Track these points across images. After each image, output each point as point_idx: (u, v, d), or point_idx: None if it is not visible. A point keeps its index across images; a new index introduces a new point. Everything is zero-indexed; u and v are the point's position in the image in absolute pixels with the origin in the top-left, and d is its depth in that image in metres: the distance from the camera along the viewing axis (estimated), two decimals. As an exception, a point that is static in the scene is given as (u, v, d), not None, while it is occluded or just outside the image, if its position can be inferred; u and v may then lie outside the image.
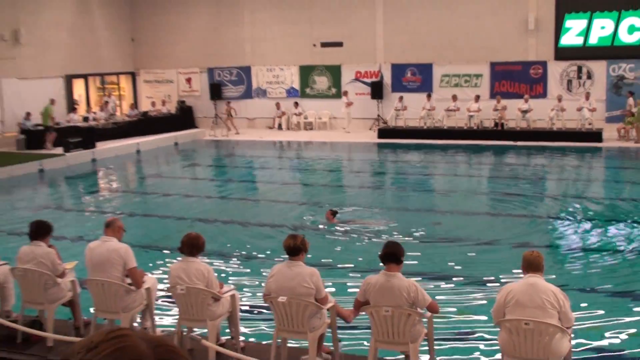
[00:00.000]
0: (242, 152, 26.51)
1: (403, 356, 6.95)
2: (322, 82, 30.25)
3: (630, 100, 24.77)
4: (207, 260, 8.68)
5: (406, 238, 12.41)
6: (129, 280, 7.56)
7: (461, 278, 10.42)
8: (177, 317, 7.43)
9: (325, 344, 7.22)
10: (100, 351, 1.06)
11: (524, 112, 25.92)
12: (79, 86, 30.32)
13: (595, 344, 7.92)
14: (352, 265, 11.24)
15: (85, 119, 27.66)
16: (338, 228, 13.63)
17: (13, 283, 8.24)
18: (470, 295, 9.65)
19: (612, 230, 13.41)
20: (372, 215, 14.99)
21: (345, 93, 28.84)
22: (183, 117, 31.15)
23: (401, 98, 27.91)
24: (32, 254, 7.84)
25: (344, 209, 15.23)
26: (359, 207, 15.87)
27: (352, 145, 26.50)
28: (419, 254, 11.35)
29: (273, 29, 30.55)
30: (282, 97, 30.72)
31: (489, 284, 9.95)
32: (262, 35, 30.84)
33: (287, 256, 6.96)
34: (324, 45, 29.81)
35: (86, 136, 24.67)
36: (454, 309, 9.01)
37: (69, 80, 29.38)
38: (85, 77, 30.64)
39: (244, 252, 12.35)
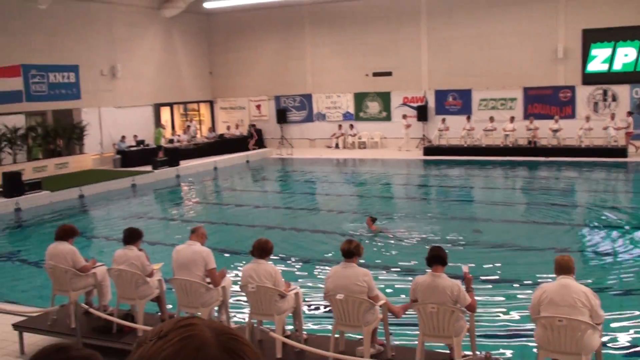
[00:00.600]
0: (303, 168, 26.57)
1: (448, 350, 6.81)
2: (374, 106, 30.19)
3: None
4: (274, 262, 8.66)
5: (448, 244, 12.21)
6: (208, 280, 7.60)
7: (499, 279, 10.19)
8: (249, 312, 7.43)
9: (380, 339, 7.13)
10: (169, 339, 1.03)
11: (555, 131, 25.37)
12: (165, 113, 30.93)
13: (626, 340, 7.63)
14: (398, 266, 11.11)
15: (171, 141, 28.16)
16: (381, 233, 13.51)
17: (109, 281, 8.38)
18: (508, 295, 9.42)
19: None
20: (410, 223, 14.75)
21: (405, 116, 28.62)
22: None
23: (444, 120, 27.64)
24: (125, 257, 7.96)
25: (391, 217, 15.08)
26: (403, 215, 15.70)
27: (400, 162, 26.30)
28: (461, 257, 11.14)
29: (331, 61, 30.67)
30: (339, 120, 30.76)
31: (525, 285, 9.70)
32: (321, 66, 30.99)
33: (341, 259, 6.91)
34: (375, 74, 29.76)
35: (171, 155, 25.09)
36: (495, 308, 8.80)
37: (157, 108, 30.00)
38: (170, 105, 31.24)
39: (304, 255, 12.33)
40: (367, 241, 12.51)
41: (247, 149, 29.56)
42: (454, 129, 27.11)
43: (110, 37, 27.37)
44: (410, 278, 9.09)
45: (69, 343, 1.86)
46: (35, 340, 7.98)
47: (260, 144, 31.36)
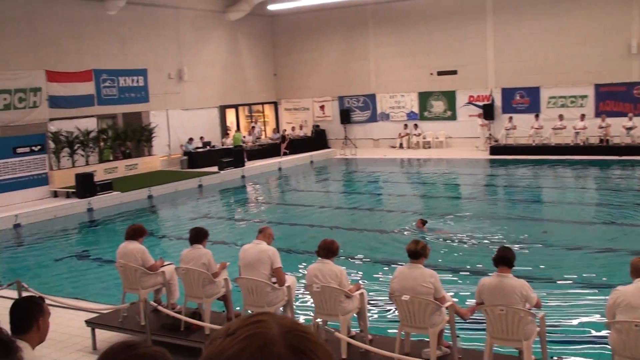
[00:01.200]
0: (367, 168, 26.46)
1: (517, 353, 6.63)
2: (438, 106, 29.81)
3: None
4: (338, 263, 8.64)
5: (515, 245, 11.91)
6: (273, 280, 7.65)
7: (570, 282, 9.87)
8: (313, 311, 7.43)
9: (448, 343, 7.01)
10: (235, 337, 1.00)
11: (629, 129, 24.45)
12: (230, 115, 31.38)
13: None
14: (467, 267, 10.91)
15: (238, 144, 28.53)
16: (435, 235, 13.31)
17: (177, 280, 8.53)
18: (580, 298, 9.11)
19: None
20: (475, 224, 14.45)
21: (480, 115, 28.11)
22: (317, 139, 31.52)
23: (510, 118, 27.04)
24: (192, 256, 8.09)
25: (457, 217, 14.85)
26: (468, 216, 15.41)
27: (466, 161, 25.87)
28: (528, 259, 10.86)
29: (395, 61, 30.46)
30: (403, 120, 30.52)
31: (598, 288, 9.36)
32: (385, 66, 30.82)
33: (406, 260, 6.83)
34: (440, 73, 29.37)
35: (237, 156, 25.43)
36: (564, 313, 8.53)
37: (222, 110, 30.48)
38: (236, 107, 31.69)
39: (368, 256, 12.26)
40: (432, 241, 12.35)
41: (312, 150, 29.63)
42: (521, 128, 26.48)
43: (177, 41, 27.97)
44: (465, 280, 8.91)
45: (138, 340, 1.87)
46: (106, 337, 8.20)
47: (324, 144, 31.42)
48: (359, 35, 31.27)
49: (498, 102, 28.16)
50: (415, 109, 30.38)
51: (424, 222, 13.92)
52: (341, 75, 31.83)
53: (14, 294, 8.22)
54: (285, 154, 28.78)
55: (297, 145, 29.90)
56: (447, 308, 6.73)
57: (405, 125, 30.25)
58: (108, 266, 12.03)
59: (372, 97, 31.35)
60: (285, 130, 31.16)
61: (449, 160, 26.45)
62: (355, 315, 7.40)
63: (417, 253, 6.73)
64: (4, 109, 21.27)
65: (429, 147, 29.61)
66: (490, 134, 27.82)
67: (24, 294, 8.11)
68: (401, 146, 30.04)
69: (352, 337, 7.19)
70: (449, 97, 29.40)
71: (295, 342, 1.00)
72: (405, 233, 13.72)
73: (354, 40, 31.41)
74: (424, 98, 30.06)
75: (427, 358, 6.62)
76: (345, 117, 31.44)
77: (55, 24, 22.80)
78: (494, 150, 26.32)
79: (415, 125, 30.01)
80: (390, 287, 6.86)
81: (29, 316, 3.94)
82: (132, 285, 8.51)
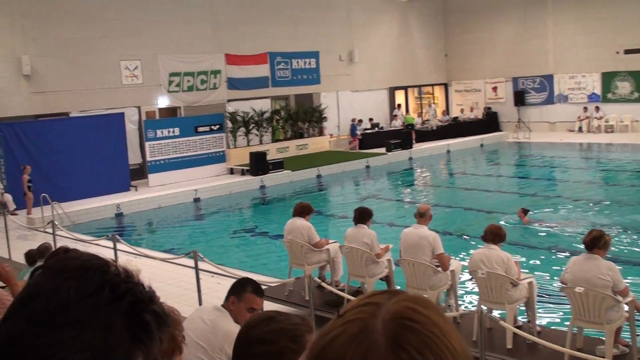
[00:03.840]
0: (541, 152, 25.16)
1: None
2: (624, 87, 27.57)
3: None
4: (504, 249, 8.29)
5: None
6: (436, 263, 7.51)
7: None
8: (478, 298, 7.20)
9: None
10: (342, 319, 0.87)
11: None
12: (400, 96, 31.27)
13: None
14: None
15: (408, 126, 28.38)
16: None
17: (341, 258, 8.66)
18: None
19: None
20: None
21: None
22: (489, 122, 30.48)
23: None
24: (356, 235, 8.15)
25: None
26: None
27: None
28: None
29: (576, 38, 28.55)
30: (584, 102, 28.61)
31: None
32: (564, 45, 28.99)
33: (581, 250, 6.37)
34: (627, 52, 27.09)
35: (404, 138, 25.30)
36: None
37: (391, 91, 30.46)
38: (405, 88, 31.52)
39: (538, 243, 11.65)
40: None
41: (482, 132, 28.73)
42: None
43: (348, 24, 28.28)
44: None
45: (278, 313, 1.85)
46: (272, 309, 8.51)
47: (496, 127, 30.34)
48: (536, 13, 29.68)
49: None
50: (598, 91, 28.33)
51: (525, 212, 13.07)
52: (516, 55, 30.43)
53: (191, 263, 8.77)
54: (353, 148, 26.32)
55: (468, 127, 29.13)
56: (627, 304, 6.20)
57: (585, 108, 28.32)
58: (276, 241, 12.50)
59: (549, 78, 29.69)
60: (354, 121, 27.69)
61: (634, 145, 24.40)
62: (522, 305, 7.06)
63: (592, 243, 6.26)
64: (187, 90, 22.81)
65: (612, 132, 27.53)
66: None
67: (200, 264, 8.64)
68: (580, 130, 28.21)
69: (518, 327, 6.86)
70: (637, 78, 27.07)
71: (397, 332, 0.82)
72: (580, 222, 12.88)
73: (531, 18, 29.86)
74: (608, 79, 27.93)
75: (602, 356, 6.14)
76: (519, 98, 30.09)
77: (233, 9, 23.96)
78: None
79: (597, 108, 28.00)
80: (562, 277, 6.46)
81: (230, 289, 4.30)
82: (298, 261, 8.77)
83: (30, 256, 8.38)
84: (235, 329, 4.08)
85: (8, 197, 16.86)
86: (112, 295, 0.90)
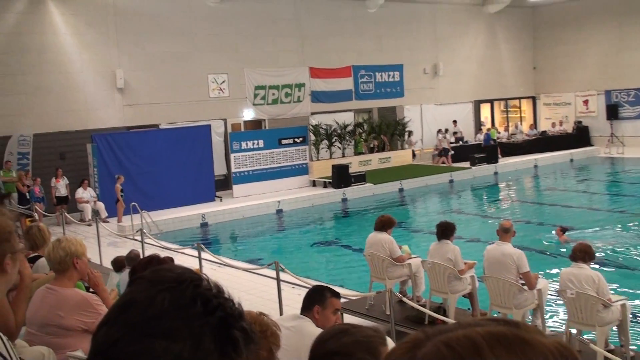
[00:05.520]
0: (636, 168, 24.03)
1: None
2: None
3: None
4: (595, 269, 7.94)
5: None
6: (522, 281, 7.28)
7: None
8: (566, 319, 6.92)
9: None
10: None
11: None
12: (485, 109, 30.70)
13: None
14: None
15: (493, 140, 27.78)
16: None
17: (423, 273, 8.53)
18: None
19: None
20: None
21: None
22: (579, 136, 29.41)
23: None
24: (439, 251, 8.02)
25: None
26: None
27: None
28: None
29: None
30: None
31: None
32: (662, 56, 27.71)
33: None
34: None
35: (490, 152, 24.79)
36: None
37: (477, 105, 29.94)
38: (491, 102, 30.92)
39: (630, 263, 11.11)
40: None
41: (572, 147, 27.77)
42: None
43: (433, 36, 28.04)
44: None
45: (348, 325, 1.82)
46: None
47: (587, 142, 29.25)
48: (632, 23, 28.48)
49: None
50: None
51: (563, 230, 12.44)
52: (609, 67, 29.28)
53: (273, 273, 8.85)
54: (443, 163, 25.46)
55: (556, 142, 28.23)
56: None
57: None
58: (357, 254, 12.46)
59: (644, 91, 28.41)
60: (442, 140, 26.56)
61: None
62: (615, 327, 6.73)
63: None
64: (272, 103, 23.19)
65: None
66: None
67: (281, 275, 8.72)
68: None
69: (610, 351, 6.54)
70: None
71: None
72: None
73: (626, 29, 28.67)
74: None
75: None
76: (612, 112, 28.90)
77: (319, 23, 24.23)
78: None
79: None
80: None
81: (309, 300, 4.36)
82: (379, 275, 8.70)
83: (118, 262, 8.66)
84: (317, 331, 4.13)
85: (100, 205, 17.60)
86: (203, 310, 0.92)
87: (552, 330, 7.71)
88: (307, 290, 4.63)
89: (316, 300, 4.31)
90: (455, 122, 27.77)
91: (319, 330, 4.02)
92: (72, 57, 19.15)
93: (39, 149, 18.29)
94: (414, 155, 25.78)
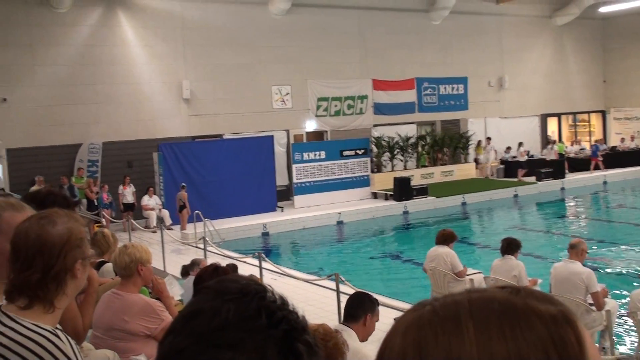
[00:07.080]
0: None
1: None
2: None
3: None
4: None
5: None
6: (590, 301, 7.04)
7: None
8: (637, 341, 6.64)
9: None
10: None
11: None
12: (552, 123, 29.98)
13: None
14: None
15: (561, 155, 27.09)
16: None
17: (485, 289, 8.34)
18: None
19: None
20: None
21: None
22: (652, 152, 28.41)
23: None
24: (503, 267, 7.85)
25: None
26: None
27: None
28: None
29: None
30: None
31: None
32: None
33: None
34: None
35: (557, 167, 24.19)
36: None
37: (543, 118, 29.27)
38: (558, 115, 30.18)
39: None
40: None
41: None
42: None
43: (499, 49, 27.62)
44: None
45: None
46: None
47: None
48: None
49: None
50: None
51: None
52: (684, 80, 28.21)
53: (333, 285, 8.83)
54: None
55: (628, 157, 27.31)
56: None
57: None
58: (418, 268, 12.32)
59: None
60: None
61: None
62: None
63: None
64: (334, 114, 23.26)
65: None
66: None
67: (341, 286, 8.68)
68: None
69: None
70: None
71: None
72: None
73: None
74: None
75: None
76: (687, 128, 27.80)
77: (382, 35, 24.19)
78: None
79: None
80: None
81: (361, 308, 4.33)
82: (440, 290, 8.57)
83: (185, 269, 8.90)
84: (360, 347, 4.10)
85: (165, 213, 17.98)
86: (268, 322, 0.91)
87: (621, 354, 7.42)
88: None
89: (368, 309, 4.35)
90: (521, 143, 25.95)
91: (362, 346, 4.07)
92: (141, 68, 19.72)
93: (107, 157, 18.86)
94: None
